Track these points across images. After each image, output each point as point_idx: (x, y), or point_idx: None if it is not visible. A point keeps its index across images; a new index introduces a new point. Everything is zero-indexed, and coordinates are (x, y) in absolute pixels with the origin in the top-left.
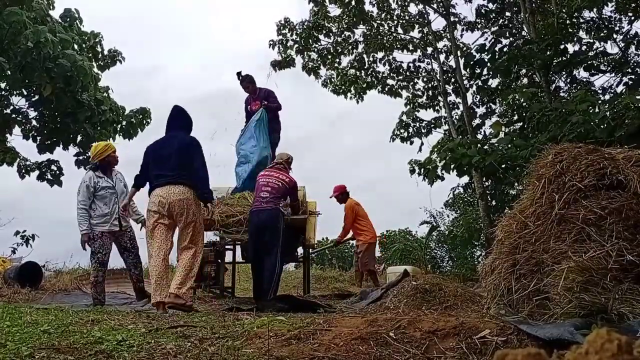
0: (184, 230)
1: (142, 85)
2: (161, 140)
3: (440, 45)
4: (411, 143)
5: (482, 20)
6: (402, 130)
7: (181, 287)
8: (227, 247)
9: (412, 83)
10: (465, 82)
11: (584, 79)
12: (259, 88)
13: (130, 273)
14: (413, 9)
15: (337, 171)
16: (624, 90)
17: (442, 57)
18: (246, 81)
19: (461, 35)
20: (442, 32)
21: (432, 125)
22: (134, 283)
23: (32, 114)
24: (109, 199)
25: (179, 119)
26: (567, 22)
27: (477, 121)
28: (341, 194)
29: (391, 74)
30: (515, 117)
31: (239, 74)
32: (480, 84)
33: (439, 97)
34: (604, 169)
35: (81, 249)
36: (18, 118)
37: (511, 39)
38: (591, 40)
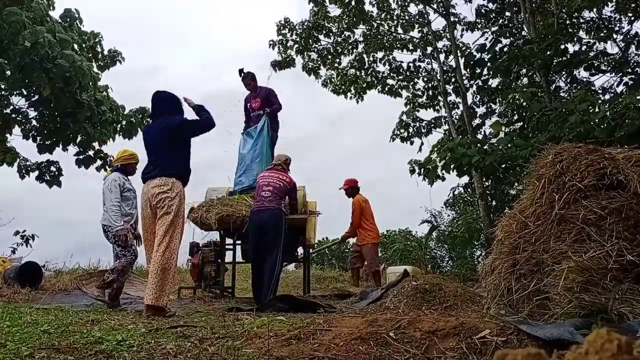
0: (160, 221)
1: (142, 85)
2: (149, 126)
3: (440, 45)
4: (411, 143)
5: (482, 20)
6: (402, 130)
7: (160, 296)
8: (227, 247)
9: (412, 83)
10: (465, 82)
11: (584, 79)
12: (260, 86)
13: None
14: (413, 9)
15: (337, 171)
16: (624, 90)
17: (442, 57)
18: (247, 78)
19: (461, 35)
20: (442, 32)
21: (432, 125)
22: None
23: (32, 113)
24: (132, 202)
25: (159, 103)
26: (567, 22)
27: (477, 121)
28: (351, 188)
29: (391, 74)
30: (515, 117)
31: (240, 70)
32: (480, 84)
33: (439, 97)
34: (604, 169)
35: (82, 249)
36: (18, 118)
37: (511, 39)
38: (591, 41)
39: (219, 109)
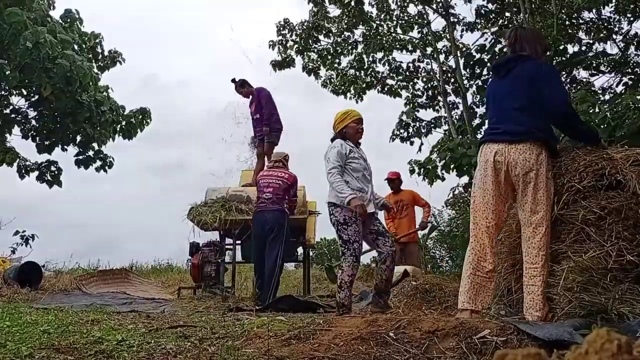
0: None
1: (167, 98)
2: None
3: (439, 45)
4: (411, 144)
5: (482, 21)
6: (401, 130)
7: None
8: (227, 247)
9: (411, 83)
10: (465, 82)
11: (584, 79)
12: (255, 89)
13: (380, 266)
14: (412, 9)
15: None
16: (623, 91)
17: (441, 57)
18: (237, 87)
19: (461, 36)
20: (441, 32)
21: (432, 125)
22: (380, 280)
23: (32, 113)
24: (362, 174)
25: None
26: (567, 22)
27: (477, 121)
28: (399, 179)
29: (391, 74)
30: None
31: (233, 80)
32: (480, 84)
33: (439, 97)
34: (602, 169)
35: (82, 250)
36: (18, 118)
37: None
38: (591, 41)
39: (242, 118)
